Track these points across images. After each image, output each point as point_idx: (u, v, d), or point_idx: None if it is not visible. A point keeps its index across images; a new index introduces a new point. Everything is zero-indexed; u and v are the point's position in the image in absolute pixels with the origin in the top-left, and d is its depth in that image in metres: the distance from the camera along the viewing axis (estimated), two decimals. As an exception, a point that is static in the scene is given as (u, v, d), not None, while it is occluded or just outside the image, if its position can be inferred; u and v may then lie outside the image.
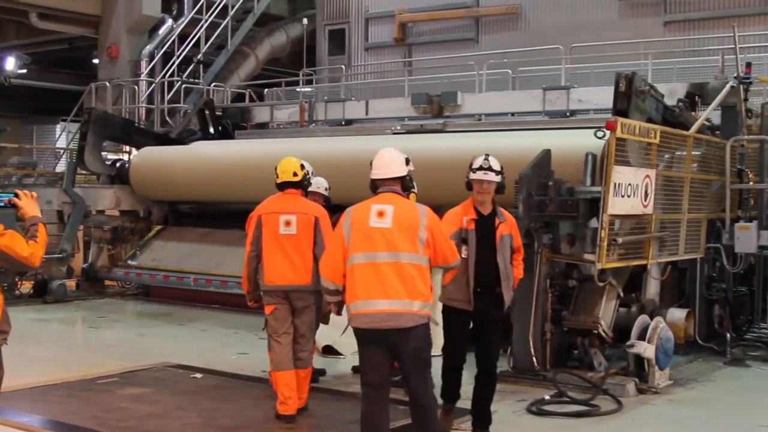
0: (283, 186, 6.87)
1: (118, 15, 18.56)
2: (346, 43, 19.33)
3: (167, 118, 16.69)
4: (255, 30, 20.01)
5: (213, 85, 17.64)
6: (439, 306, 6.12)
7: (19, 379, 6.69)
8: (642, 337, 7.93)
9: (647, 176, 8.11)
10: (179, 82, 17.32)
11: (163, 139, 15.05)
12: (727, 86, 9.66)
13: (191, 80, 17.81)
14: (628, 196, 7.82)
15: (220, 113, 15.49)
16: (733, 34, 9.75)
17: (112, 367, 8.49)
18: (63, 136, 20.92)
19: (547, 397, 7.34)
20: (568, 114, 12.18)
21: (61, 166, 18.28)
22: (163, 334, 10.93)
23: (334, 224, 6.86)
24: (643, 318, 8.20)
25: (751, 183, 9.93)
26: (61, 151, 19.78)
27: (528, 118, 12.48)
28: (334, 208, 7.65)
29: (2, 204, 4.71)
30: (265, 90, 17.59)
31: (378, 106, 14.17)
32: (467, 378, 6.30)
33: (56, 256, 13.19)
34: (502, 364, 6.90)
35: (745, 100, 9.78)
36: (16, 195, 4.69)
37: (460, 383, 6.27)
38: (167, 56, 18.31)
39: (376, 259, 5.03)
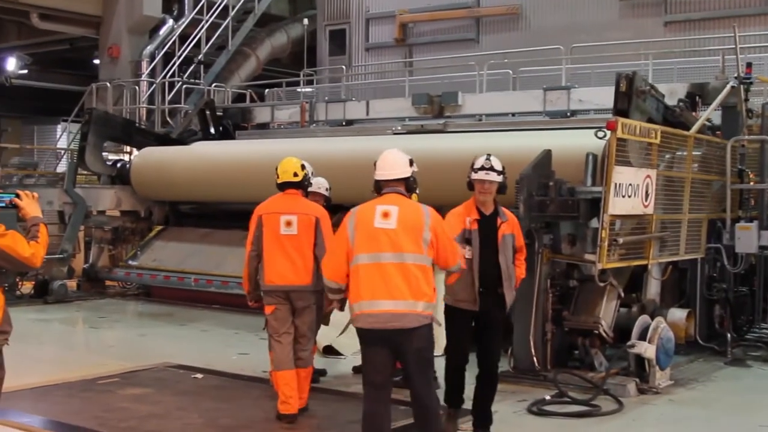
0: (283, 186, 6.88)
1: (119, 15, 18.57)
2: (347, 43, 19.33)
3: (168, 119, 16.70)
4: (256, 30, 20.02)
5: (214, 85, 17.65)
6: (442, 306, 6.12)
7: (20, 380, 6.69)
8: (643, 337, 7.93)
9: (648, 176, 8.11)
10: (180, 83, 17.33)
11: (164, 140, 15.06)
12: (728, 86, 9.66)
13: (192, 80, 17.81)
14: (629, 197, 7.82)
15: (221, 113, 15.49)
16: (733, 34, 9.75)
17: (113, 368, 8.49)
18: (64, 136, 20.94)
19: (547, 398, 7.34)
20: (568, 114, 12.18)
21: (62, 167, 18.29)
22: (164, 335, 10.93)
23: (334, 224, 6.89)
24: (643, 318, 8.20)
25: (751, 183, 9.93)
26: (62, 151, 19.81)
27: (529, 119, 12.48)
28: (335, 209, 7.67)
29: (3, 204, 4.72)
30: (266, 90, 17.60)
31: (379, 107, 14.17)
32: (468, 378, 6.29)
33: (57, 256, 13.20)
34: (503, 365, 6.89)
35: (746, 100, 9.78)
36: (17, 195, 4.69)
37: (464, 386, 6.26)
38: (168, 57, 18.31)
39: (380, 259, 5.04)
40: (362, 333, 5.13)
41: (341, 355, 9.16)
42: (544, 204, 8.16)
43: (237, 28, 19.14)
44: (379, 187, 5.31)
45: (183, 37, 18.33)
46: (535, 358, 8.08)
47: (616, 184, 7.57)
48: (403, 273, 5.02)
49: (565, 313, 8.28)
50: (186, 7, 18.99)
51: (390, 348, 5.06)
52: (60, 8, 18.58)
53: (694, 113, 10.04)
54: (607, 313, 8.16)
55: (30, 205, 4.69)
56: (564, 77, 13.10)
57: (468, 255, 5.91)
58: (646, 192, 8.09)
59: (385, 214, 5.11)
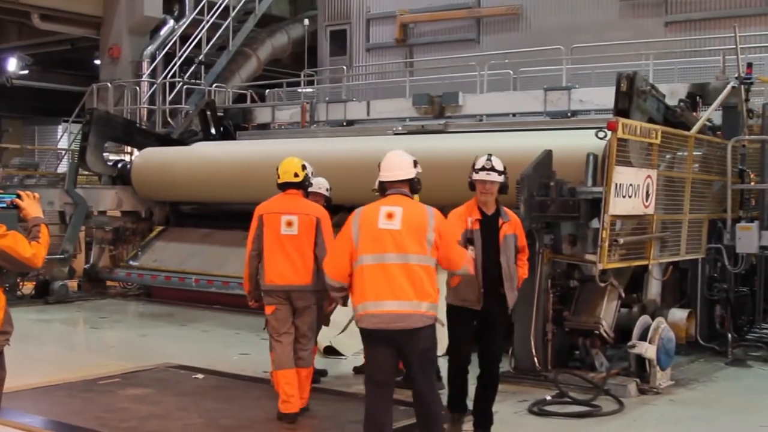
0: (284, 186, 6.89)
1: (120, 16, 18.59)
2: (348, 43, 19.34)
3: (169, 119, 16.71)
4: (256, 31, 20.03)
5: (214, 85, 17.66)
6: (444, 306, 6.12)
7: (21, 380, 6.71)
8: (643, 337, 7.93)
9: (648, 177, 8.11)
10: (181, 83, 17.35)
11: (165, 140, 15.06)
12: (729, 86, 9.65)
13: (193, 81, 17.83)
14: (630, 197, 7.82)
15: (222, 114, 15.49)
16: (734, 34, 9.75)
17: (113, 368, 8.50)
18: (65, 136, 20.94)
19: (548, 398, 7.34)
20: (569, 114, 12.17)
21: (62, 167, 18.30)
22: (165, 335, 10.94)
23: (334, 225, 6.90)
24: (644, 318, 8.20)
25: (752, 183, 9.92)
26: (63, 151, 19.81)
27: (529, 119, 12.48)
28: (335, 209, 7.67)
29: (4, 205, 4.72)
30: (267, 91, 17.60)
31: (379, 107, 14.17)
32: (469, 380, 6.29)
33: (58, 256, 13.20)
34: (504, 365, 6.89)
35: (747, 100, 9.78)
36: (19, 196, 4.70)
37: (467, 390, 6.24)
38: (169, 57, 18.33)
39: (385, 260, 5.06)
40: (367, 333, 5.15)
41: (342, 355, 9.16)
42: (545, 204, 8.16)
43: (238, 29, 19.15)
44: (384, 189, 5.33)
45: (184, 38, 18.35)
46: (535, 359, 8.08)
47: (616, 184, 7.57)
48: (407, 274, 5.04)
49: (566, 314, 8.28)
50: (187, 8, 19.00)
51: (394, 348, 5.08)
52: (61, 9, 18.60)
53: (694, 113, 10.05)
54: (607, 313, 8.17)
55: (31, 205, 4.69)
56: (564, 77, 13.10)
57: (471, 255, 5.91)
58: (647, 192, 8.09)
59: (389, 215, 5.13)
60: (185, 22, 18.70)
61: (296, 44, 20.40)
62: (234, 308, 11.96)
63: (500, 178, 6.07)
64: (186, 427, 6.59)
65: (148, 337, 10.76)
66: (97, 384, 7.85)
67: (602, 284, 8.05)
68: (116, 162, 15.40)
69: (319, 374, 7.80)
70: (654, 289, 8.92)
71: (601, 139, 7.88)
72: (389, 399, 5.21)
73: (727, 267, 9.53)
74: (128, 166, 14.83)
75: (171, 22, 18.86)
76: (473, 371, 6.26)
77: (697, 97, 10.38)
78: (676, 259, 8.92)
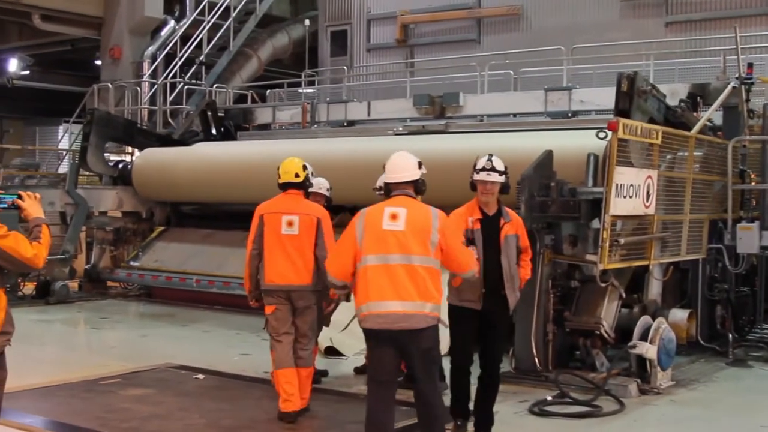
0: (285, 186, 6.90)
1: (121, 16, 18.60)
2: (348, 44, 19.34)
3: (170, 120, 16.72)
4: (257, 31, 20.03)
5: (215, 86, 17.67)
6: (446, 307, 6.12)
7: (22, 380, 6.72)
8: (644, 337, 7.93)
9: (649, 177, 8.11)
10: (181, 84, 17.36)
11: (166, 140, 15.07)
12: (729, 87, 9.66)
13: (193, 81, 17.83)
14: (630, 197, 7.82)
15: (223, 114, 15.50)
16: (734, 34, 9.75)
17: (114, 368, 8.50)
18: (66, 137, 20.94)
19: (549, 398, 7.34)
20: (569, 115, 12.18)
21: (63, 168, 18.30)
22: (166, 335, 10.94)
23: (335, 225, 6.91)
24: (645, 319, 8.20)
25: (753, 183, 9.92)
26: (64, 152, 19.81)
27: (530, 119, 12.49)
28: (336, 209, 7.67)
29: (5, 205, 4.72)
30: (267, 91, 17.60)
31: (380, 107, 14.18)
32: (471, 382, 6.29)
33: (59, 257, 13.20)
34: (504, 365, 6.90)
35: (747, 100, 9.78)
36: (20, 196, 4.70)
37: (470, 395, 6.22)
38: (169, 57, 18.33)
39: (388, 261, 5.08)
40: (370, 333, 5.17)
41: (343, 355, 9.16)
42: (546, 204, 8.16)
43: (238, 29, 19.15)
44: (388, 190, 5.36)
45: (184, 38, 18.35)
46: (536, 359, 8.08)
47: (617, 184, 7.57)
48: (411, 274, 5.06)
49: (567, 314, 8.28)
50: (187, 8, 19.01)
51: (397, 348, 5.10)
52: (61, 9, 18.61)
53: (695, 114, 10.05)
54: (608, 313, 8.17)
55: (32, 206, 4.69)
56: (565, 78, 13.10)
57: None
58: (648, 192, 8.09)
59: (393, 216, 5.15)
60: (186, 23, 18.71)
61: (297, 45, 20.40)
62: (235, 309, 11.96)
63: (501, 179, 6.07)
64: (187, 427, 6.60)
65: (149, 338, 10.76)
66: (98, 384, 7.86)
67: (603, 284, 8.05)
68: (117, 162, 15.40)
69: (320, 374, 7.80)
70: (655, 289, 8.92)
71: (601, 139, 7.88)
72: (391, 399, 5.22)
73: (728, 267, 9.53)
74: (129, 166, 14.83)
75: (172, 23, 18.86)
76: (475, 373, 6.26)
77: (698, 98, 10.39)
78: (676, 259, 8.92)
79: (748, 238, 9.25)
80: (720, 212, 9.62)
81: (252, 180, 12.20)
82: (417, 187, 5.35)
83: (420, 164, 5.39)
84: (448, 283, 6.02)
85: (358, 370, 8.36)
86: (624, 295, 8.36)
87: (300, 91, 17.31)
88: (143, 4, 18.39)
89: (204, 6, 18.51)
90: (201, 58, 18.34)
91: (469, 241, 5.98)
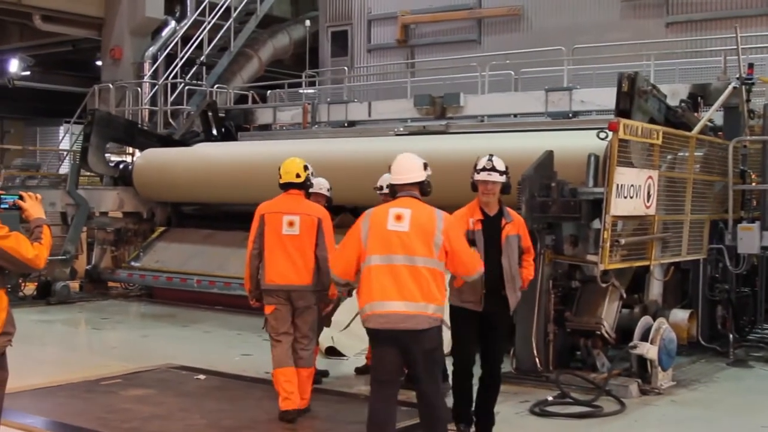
0: (286, 186, 6.90)
1: (122, 17, 18.60)
2: (349, 44, 19.34)
3: (170, 120, 16.73)
4: (258, 32, 20.03)
5: (216, 86, 17.66)
6: (447, 308, 6.12)
7: (22, 381, 6.72)
8: (645, 338, 7.93)
9: (650, 177, 8.11)
10: (182, 84, 17.36)
11: (167, 141, 15.08)
12: (730, 87, 9.66)
13: (194, 82, 17.83)
14: (631, 197, 7.82)
15: (223, 115, 15.51)
16: (735, 35, 9.75)
17: (115, 369, 8.51)
18: (66, 137, 20.96)
19: (550, 398, 7.34)
20: (570, 115, 12.18)
21: (64, 168, 18.32)
22: (167, 336, 10.94)
23: (336, 225, 6.91)
24: (646, 319, 8.20)
25: (753, 184, 9.92)
26: (65, 152, 19.83)
27: (530, 120, 12.48)
28: (337, 210, 7.68)
29: (6, 206, 4.71)
30: (268, 92, 17.61)
31: (381, 108, 14.19)
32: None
33: (60, 257, 13.21)
34: (505, 365, 6.90)
35: (748, 101, 9.78)
36: (21, 197, 4.70)
37: (472, 399, 6.21)
38: (170, 58, 18.33)
39: (392, 261, 5.10)
40: (373, 333, 5.20)
41: (343, 356, 9.16)
42: (546, 205, 8.16)
43: (239, 30, 19.15)
44: (394, 191, 5.39)
45: (185, 39, 18.35)
46: (537, 359, 8.08)
47: (618, 185, 7.57)
48: (414, 275, 5.08)
49: (568, 314, 8.28)
50: (188, 9, 19.00)
51: (400, 348, 5.11)
52: (62, 10, 18.61)
53: (696, 114, 10.04)
54: (609, 314, 8.17)
55: (33, 206, 4.69)
56: (566, 78, 13.10)
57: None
58: (648, 193, 8.09)
59: (398, 217, 5.17)
60: (187, 23, 18.71)
61: (298, 45, 20.40)
62: (236, 309, 11.96)
63: (501, 178, 6.06)
64: (188, 427, 6.60)
65: (150, 338, 10.77)
66: (99, 385, 7.86)
67: (604, 285, 8.05)
68: (118, 163, 15.41)
69: (321, 375, 7.81)
70: (655, 289, 8.92)
71: (602, 139, 7.87)
72: (393, 399, 5.23)
73: (729, 267, 9.53)
74: (130, 167, 14.84)
75: (172, 23, 18.87)
76: (475, 374, 6.25)
77: (699, 98, 10.38)
78: (677, 259, 8.92)
79: (748, 239, 9.25)
80: (721, 212, 9.62)
81: (253, 180, 12.21)
82: (422, 189, 5.38)
83: (426, 166, 5.41)
84: (449, 283, 6.02)
85: (359, 371, 8.37)
86: (625, 296, 8.36)
87: (301, 91, 17.32)
88: (144, 4, 18.40)
89: (205, 6, 18.51)
90: (202, 59, 18.34)
91: (471, 242, 5.96)
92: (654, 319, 8.18)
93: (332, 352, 9.16)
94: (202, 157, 13.91)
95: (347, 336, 9.31)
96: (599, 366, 8.04)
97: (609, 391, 7.51)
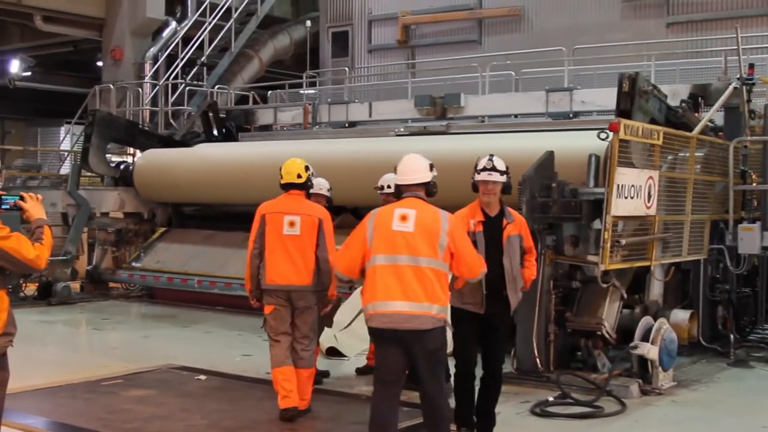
0: (286, 187, 6.91)
1: (122, 18, 18.61)
2: (350, 45, 19.34)
3: (171, 121, 16.73)
4: (258, 32, 20.04)
5: (216, 87, 17.68)
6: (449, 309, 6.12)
7: (23, 381, 6.72)
8: (645, 338, 7.93)
9: (650, 177, 8.11)
10: (183, 85, 17.36)
11: (167, 142, 15.08)
12: (730, 87, 9.66)
13: (195, 82, 17.84)
14: (632, 198, 7.82)
15: (224, 115, 15.52)
16: (736, 35, 9.75)
17: (116, 369, 8.51)
18: (67, 138, 21.00)
19: (550, 399, 7.35)
20: (571, 115, 12.19)
21: (65, 169, 18.34)
22: (167, 336, 10.95)
23: (336, 226, 6.91)
24: (646, 319, 8.19)
25: (754, 184, 9.92)
26: (66, 153, 19.84)
27: (531, 120, 12.49)
28: (338, 210, 7.68)
29: (8, 206, 4.72)
30: (269, 92, 17.61)
31: (381, 108, 14.19)
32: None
33: (61, 258, 13.21)
34: (506, 366, 6.89)
35: (748, 101, 9.78)
36: (22, 197, 4.70)
37: (474, 401, 6.19)
38: (171, 59, 18.34)
39: (397, 261, 5.12)
40: (377, 332, 5.22)
41: (344, 356, 9.16)
42: (547, 205, 8.16)
43: (240, 30, 19.16)
44: (399, 191, 5.41)
45: (186, 39, 18.36)
46: (538, 360, 8.08)
47: (618, 185, 7.57)
48: (418, 275, 5.09)
49: (568, 315, 8.28)
50: (189, 9, 19.01)
51: (403, 348, 5.12)
52: (63, 10, 18.62)
53: (696, 114, 10.04)
54: (609, 314, 8.17)
55: (34, 207, 4.70)
56: (566, 78, 13.10)
57: None
58: (649, 193, 8.09)
59: (403, 218, 5.19)
60: (187, 24, 18.71)
61: (298, 46, 20.40)
62: (236, 309, 11.97)
63: (502, 178, 6.06)
64: (188, 428, 6.60)
65: (151, 339, 10.77)
66: (100, 385, 7.87)
67: (604, 285, 8.05)
68: (119, 163, 15.42)
69: (322, 375, 7.81)
70: (656, 290, 8.91)
71: (603, 140, 7.87)
72: (396, 399, 5.24)
73: (729, 268, 9.53)
74: (131, 167, 14.85)
75: (173, 24, 18.87)
76: (476, 375, 6.25)
77: (699, 98, 10.37)
78: (678, 260, 8.92)
79: (749, 239, 9.25)
80: (721, 213, 9.62)
81: (253, 181, 12.21)
82: (428, 190, 5.40)
83: (431, 167, 5.44)
84: (450, 285, 6.02)
85: (360, 371, 8.37)
86: (625, 296, 8.36)
87: (301, 92, 17.32)
88: (145, 5, 18.40)
89: (205, 7, 18.51)
90: (202, 60, 18.34)
91: (472, 244, 5.96)
92: (655, 320, 8.18)
93: (333, 352, 9.16)
94: (203, 158, 13.92)
95: (348, 336, 9.32)
96: (600, 366, 8.04)
97: (610, 391, 7.51)
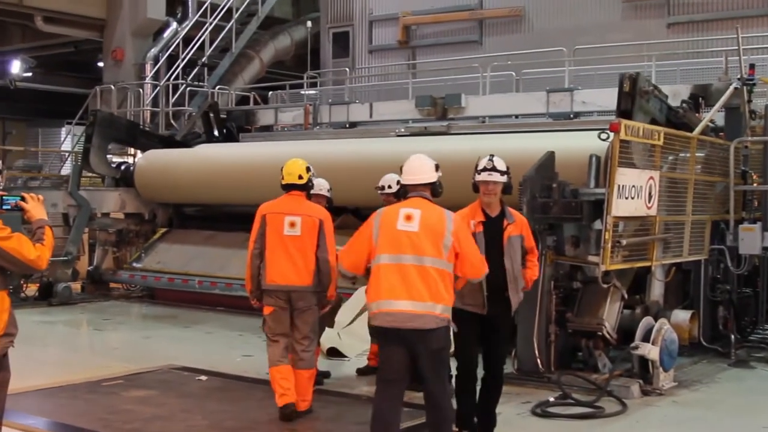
0: (287, 187, 6.92)
1: (123, 18, 18.62)
2: (350, 45, 19.33)
3: (172, 121, 16.74)
4: (259, 33, 20.05)
5: (217, 88, 17.68)
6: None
7: (24, 382, 6.72)
8: (646, 338, 7.93)
9: (651, 178, 8.11)
10: (184, 85, 17.37)
11: (168, 142, 15.09)
12: (731, 88, 9.66)
13: (196, 83, 17.85)
14: (632, 198, 7.82)
15: (225, 116, 15.53)
16: (736, 35, 9.76)
17: (117, 370, 8.52)
18: (68, 138, 21.00)
19: (551, 399, 7.34)
20: (571, 116, 12.18)
21: (66, 169, 18.33)
22: (168, 337, 10.95)
23: (337, 227, 6.92)
24: (647, 320, 8.19)
25: (755, 184, 9.92)
26: (67, 153, 19.85)
27: (532, 120, 12.49)
28: (338, 211, 7.68)
29: (9, 207, 4.73)
30: (270, 93, 17.61)
31: (382, 109, 14.20)
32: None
33: (61, 258, 13.22)
34: (507, 366, 6.89)
35: (749, 101, 9.78)
36: (23, 198, 4.71)
37: (475, 403, 6.18)
38: (172, 59, 18.35)
39: (401, 260, 5.15)
40: (380, 331, 5.24)
41: (345, 357, 9.16)
42: (548, 206, 8.16)
43: (240, 31, 19.17)
44: (405, 191, 5.45)
45: (187, 40, 18.37)
46: (538, 360, 8.08)
47: (619, 185, 7.57)
48: (423, 275, 5.12)
49: (569, 315, 8.28)
50: (189, 10, 19.01)
51: (406, 347, 5.13)
52: (64, 11, 18.63)
53: (697, 115, 10.05)
54: (610, 314, 8.17)
55: (35, 207, 4.70)
56: (567, 79, 13.10)
57: None
58: (650, 193, 8.09)
59: (408, 217, 5.22)
60: (188, 25, 18.72)
61: (299, 46, 20.40)
62: (237, 310, 11.97)
63: (503, 179, 6.05)
64: (189, 428, 6.61)
65: (152, 339, 10.77)
66: (101, 386, 7.87)
67: (605, 286, 8.05)
68: (119, 164, 15.43)
69: (323, 376, 7.82)
70: (657, 290, 8.91)
71: (603, 140, 7.88)
72: (398, 398, 5.25)
73: (730, 268, 9.53)
74: (131, 168, 14.86)
75: (174, 25, 18.87)
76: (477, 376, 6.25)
77: (700, 99, 10.38)
78: (678, 260, 8.92)
79: (750, 239, 9.24)
80: (722, 213, 9.62)
81: (254, 181, 12.21)
82: (434, 190, 5.44)
83: (437, 167, 5.47)
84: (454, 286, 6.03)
85: (361, 372, 8.37)
86: (626, 296, 8.36)
87: (302, 92, 17.31)
88: (145, 6, 18.41)
89: (206, 8, 18.52)
90: (203, 60, 18.35)
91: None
92: (655, 320, 8.18)
93: (334, 353, 9.16)
94: (204, 159, 13.92)
95: (349, 336, 9.32)
96: (601, 367, 8.04)
97: (610, 391, 7.51)
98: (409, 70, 17.17)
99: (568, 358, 8.38)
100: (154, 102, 17.48)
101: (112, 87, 17.51)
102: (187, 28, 18.64)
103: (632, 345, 7.94)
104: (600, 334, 8.09)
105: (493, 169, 6.03)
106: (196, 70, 18.19)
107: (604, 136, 7.83)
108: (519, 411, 7.12)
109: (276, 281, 6.72)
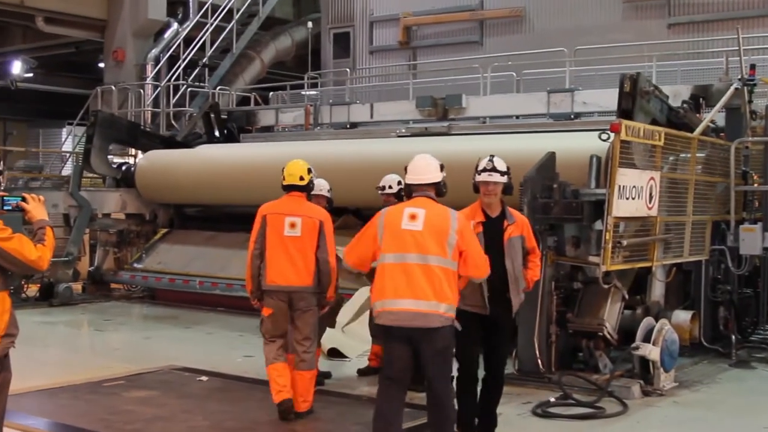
0: (288, 188, 6.92)
1: (124, 19, 18.62)
2: (351, 46, 19.34)
3: (173, 122, 16.74)
4: (260, 33, 20.05)
5: (218, 88, 17.69)
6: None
7: (25, 382, 6.72)
8: (647, 339, 7.93)
9: (652, 178, 8.12)
10: (185, 86, 17.38)
11: (169, 143, 15.10)
12: (732, 88, 9.67)
13: (196, 84, 17.85)
14: (633, 199, 7.83)
15: (226, 116, 15.54)
16: (737, 36, 9.76)
17: (118, 370, 8.52)
18: (69, 139, 21.01)
19: (552, 400, 7.35)
20: (572, 116, 12.18)
21: (67, 170, 18.35)
22: (169, 337, 10.95)
23: (337, 227, 6.92)
24: (648, 320, 8.19)
25: (755, 185, 9.92)
26: (68, 154, 19.86)
27: (532, 121, 12.50)
28: (339, 211, 7.68)
29: (9, 208, 4.73)
30: (270, 93, 17.62)
31: (383, 109, 14.20)
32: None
33: (62, 259, 13.23)
34: (507, 367, 6.89)
35: (750, 101, 9.79)
36: (23, 199, 4.71)
37: (476, 407, 6.16)
38: (173, 60, 18.36)
39: (405, 260, 5.17)
40: (384, 330, 5.25)
41: (346, 357, 9.16)
42: (548, 206, 8.16)
43: (241, 32, 19.18)
44: (410, 191, 5.47)
45: (187, 41, 18.37)
46: (539, 361, 8.08)
47: (620, 186, 7.58)
48: (427, 274, 5.14)
49: (570, 315, 8.28)
50: (190, 11, 19.01)
51: (410, 346, 5.15)
52: (65, 12, 18.64)
53: (698, 115, 10.05)
54: (611, 315, 8.17)
55: (36, 208, 4.70)
56: (568, 79, 13.10)
57: None
58: (650, 194, 8.10)
59: (412, 216, 5.25)
60: (189, 25, 18.73)
61: (300, 47, 20.40)
62: (238, 310, 11.97)
63: (503, 179, 6.05)
64: (190, 429, 6.61)
65: (153, 340, 10.78)
66: (102, 386, 7.88)
67: (606, 286, 8.05)
68: (120, 164, 15.44)
69: (323, 377, 7.82)
70: (657, 290, 8.92)
71: (604, 141, 7.88)
72: (401, 397, 5.27)
73: (731, 269, 9.53)
74: (132, 168, 14.86)
75: (175, 25, 18.87)
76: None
77: (701, 99, 10.39)
78: (679, 260, 8.92)
79: (750, 240, 9.25)
80: (723, 214, 9.62)
81: (255, 182, 12.22)
82: (438, 189, 5.47)
83: (441, 167, 5.50)
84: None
85: (362, 372, 8.37)
86: (627, 297, 8.36)
87: (303, 93, 17.31)
88: (146, 6, 18.42)
89: (207, 8, 18.53)
90: (204, 61, 18.36)
91: (478, 243, 5.97)
92: (656, 321, 8.17)
93: (335, 353, 9.16)
94: (205, 159, 13.93)
95: (349, 337, 9.32)
96: (601, 367, 8.04)
97: (611, 392, 7.51)
98: (410, 71, 17.17)
99: (569, 359, 8.38)
100: (155, 102, 17.49)
101: (113, 88, 17.52)
102: (188, 29, 18.64)
103: (633, 345, 7.94)
104: (601, 334, 8.09)
105: (494, 169, 6.03)
106: (197, 70, 18.20)
107: (604, 136, 7.83)
108: (520, 411, 7.13)
109: (276, 282, 6.72)
